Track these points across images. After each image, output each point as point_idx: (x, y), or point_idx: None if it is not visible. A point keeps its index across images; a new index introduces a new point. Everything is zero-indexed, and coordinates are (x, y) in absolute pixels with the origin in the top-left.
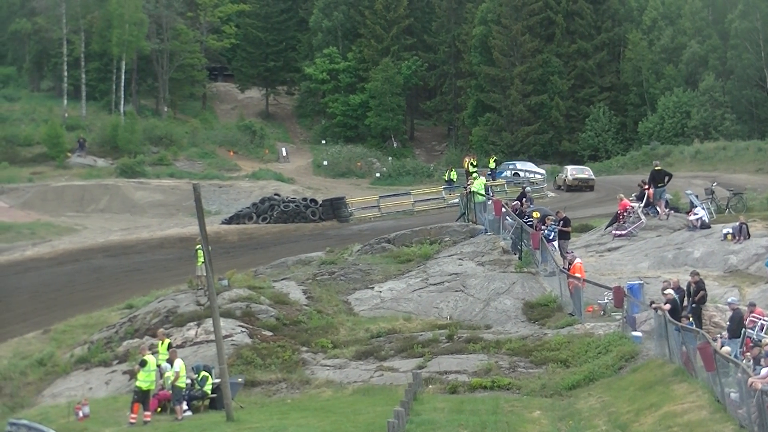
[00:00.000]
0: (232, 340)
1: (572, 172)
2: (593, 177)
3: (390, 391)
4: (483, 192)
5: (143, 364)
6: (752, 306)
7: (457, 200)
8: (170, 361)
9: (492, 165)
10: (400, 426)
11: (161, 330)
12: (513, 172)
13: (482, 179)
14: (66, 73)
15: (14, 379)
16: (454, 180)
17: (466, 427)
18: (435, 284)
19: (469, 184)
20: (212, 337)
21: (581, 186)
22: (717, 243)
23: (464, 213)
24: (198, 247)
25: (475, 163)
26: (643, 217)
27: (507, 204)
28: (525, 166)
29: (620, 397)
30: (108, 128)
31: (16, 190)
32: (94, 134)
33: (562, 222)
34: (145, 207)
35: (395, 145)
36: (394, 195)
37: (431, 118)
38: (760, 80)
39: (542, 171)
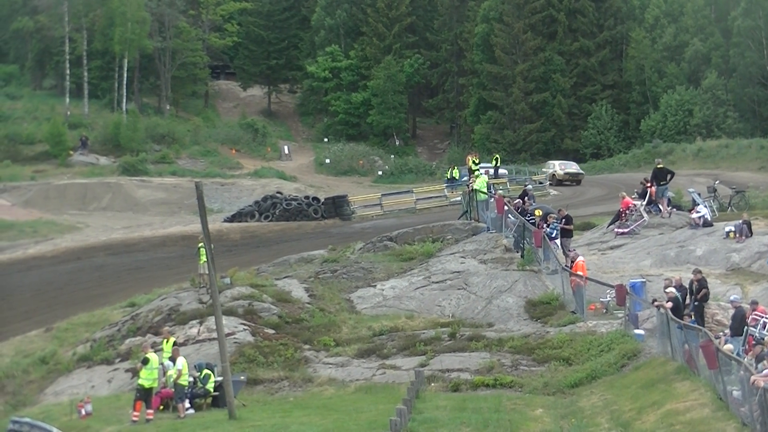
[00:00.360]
0: (234, 338)
1: (561, 166)
2: (582, 171)
3: (392, 389)
4: (485, 190)
5: (145, 362)
6: (754, 304)
7: (459, 198)
8: (173, 359)
9: (494, 163)
10: (403, 424)
11: (166, 328)
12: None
13: (484, 177)
14: (68, 72)
15: (17, 377)
16: (456, 178)
17: (469, 425)
18: (437, 282)
19: (471, 182)
20: (214, 335)
21: (571, 180)
22: (719, 241)
23: (467, 211)
24: (200, 245)
25: (477, 161)
26: (645, 215)
27: (509, 202)
28: (487, 166)
29: (622, 395)
30: (110, 126)
31: (18, 189)
32: (96, 132)
33: (564, 220)
34: (147, 205)
35: (397, 143)
36: (397, 193)
37: (433, 116)
38: (763, 78)
39: (505, 171)
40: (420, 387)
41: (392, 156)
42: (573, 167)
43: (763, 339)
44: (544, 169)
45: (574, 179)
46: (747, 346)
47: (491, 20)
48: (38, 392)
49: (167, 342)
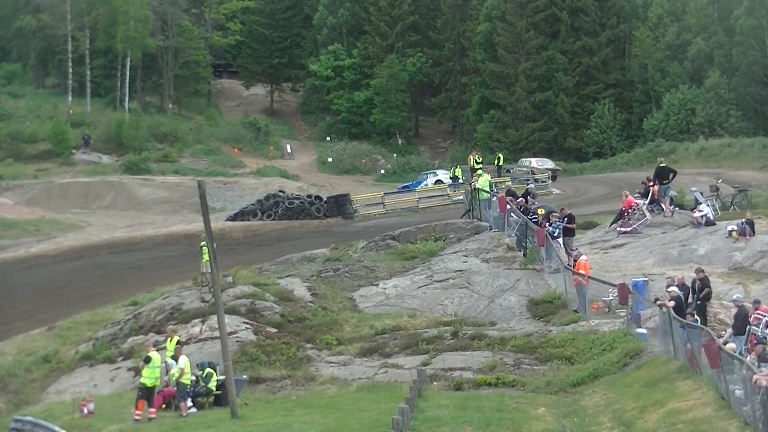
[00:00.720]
0: (236, 336)
1: (538, 163)
2: (558, 168)
3: (394, 388)
4: (488, 189)
5: (147, 360)
6: (757, 303)
7: (461, 197)
8: (175, 358)
9: (496, 162)
10: (405, 423)
11: (170, 327)
12: (435, 180)
13: (487, 176)
14: (71, 70)
15: (19, 376)
16: (459, 177)
17: (471, 424)
18: (440, 281)
19: (473, 181)
20: (217, 333)
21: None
22: (722, 240)
23: (469, 210)
24: (203, 243)
25: (479, 160)
26: (647, 214)
27: (511, 201)
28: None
29: (625, 394)
30: (113, 125)
31: (20, 187)
32: (98, 131)
33: (566, 219)
34: (149, 204)
35: (400, 142)
36: (399, 192)
37: (436, 115)
38: (766, 77)
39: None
40: (422, 386)
41: (395, 155)
42: (548, 164)
43: (766, 338)
44: (519, 167)
45: (552, 175)
46: (749, 346)
47: (494, 19)
48: (40, 391)
49: (171, 340)
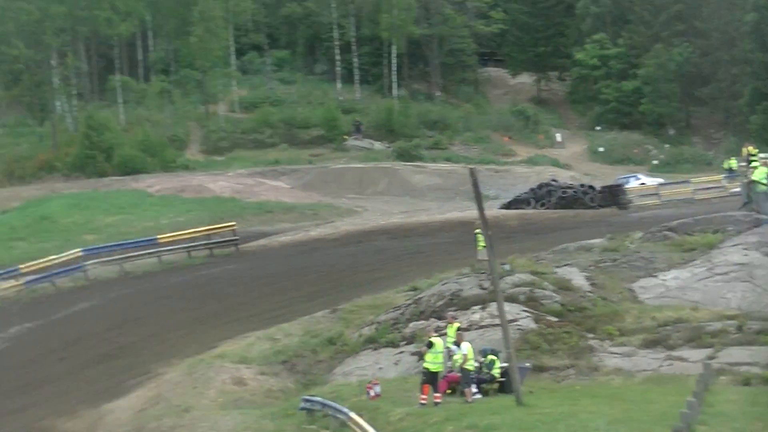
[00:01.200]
0: (517, 324)
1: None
2: None
3: (680, 381)
4: (765, 181)
5: (430, 345)
6: None
7: (738, 189)
8: (457, 344)
9: None
10: (693, 417)
11: (450, 313)
12: (640, 183)
13: (764, 168)
14: (338, 57)
15: (306, 357)
16: (734, 169)
17: (762, 420)
18: (720, 274)
19: (749, 173)
20: (497, 321)
21: None
22: None
23: (747, 202)
24: (477, 231)
25: (755, 153)
26: None
27: None
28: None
29: None
30: (382, 112)
31: (296, 172)
32: (368, 117)
33: None
34: (423, 190)
35: (671, 132)
36: (674, 183)
37: (707, 106)
38: None
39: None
40: (709, 380)
41: (666, 145)
42: None
43: None
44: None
45: None
46: None
47: (762, 8)
48: (327, 372)
49: (451, 327)
